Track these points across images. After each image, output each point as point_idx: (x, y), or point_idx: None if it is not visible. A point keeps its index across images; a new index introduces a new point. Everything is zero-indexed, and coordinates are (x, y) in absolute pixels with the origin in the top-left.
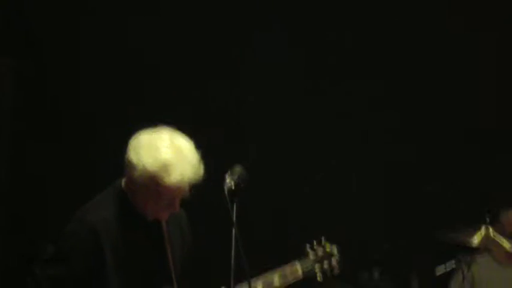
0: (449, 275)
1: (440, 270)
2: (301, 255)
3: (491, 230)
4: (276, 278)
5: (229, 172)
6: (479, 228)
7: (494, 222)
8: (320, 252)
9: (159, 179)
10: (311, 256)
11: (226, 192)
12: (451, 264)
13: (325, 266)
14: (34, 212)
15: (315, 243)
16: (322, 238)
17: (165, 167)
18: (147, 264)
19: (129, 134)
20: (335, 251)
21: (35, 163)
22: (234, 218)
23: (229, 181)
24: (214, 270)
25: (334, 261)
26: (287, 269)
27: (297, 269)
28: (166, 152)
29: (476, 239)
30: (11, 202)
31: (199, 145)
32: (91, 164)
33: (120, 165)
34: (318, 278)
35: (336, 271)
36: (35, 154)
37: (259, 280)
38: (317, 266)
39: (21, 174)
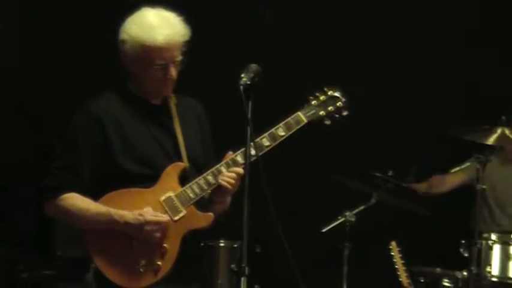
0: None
1: (455, 169)
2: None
3: (506, 130)
4: (280, 130)
5: (244, 69)
6: (495, 128)
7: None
8: (322, 97)
9: (146, 41)
10: (312, 102)
11: (241, 89)
12: (466, 163)
13: (330, 109)
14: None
15: (316, 92)
16: (324, 87)
17: (150, 28)
18: (154, 142)
19: None
20: (338, 93)
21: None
22: (249, 116)
23: (244, 78)
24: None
25: (339, 104)
26: (290, 119)
27: (300, 116)
28: (151, 17)
29: (492, 138)
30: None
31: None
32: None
33: None
34: (326, 122)
35: (344, 113)
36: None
37: (264, 136)
38: (321, 110)
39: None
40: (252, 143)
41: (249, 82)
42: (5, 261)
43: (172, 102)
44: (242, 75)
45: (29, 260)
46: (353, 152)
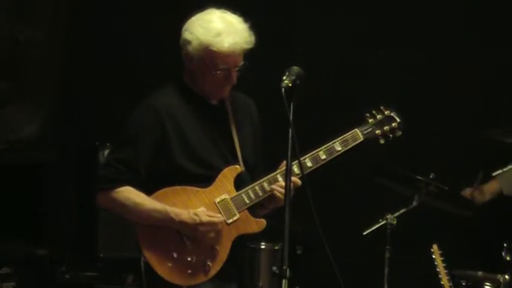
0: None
1: (497, 172)
2: (360, 122)
3: None
4: (337, 144)
5: (286, 72)
6: None
7: None
8: (379, 116)
9: (212, 46)
10: (369, 121)
11: (283, 91)
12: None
13: (386, 129)
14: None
15: (373, 110)
16: (381, 106)
17: (217, 34)
18: (211, 143)
19: None
20: (394, 114)
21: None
22: (291, 118)
23: (286, 80)
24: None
25: (394, 124)
26: (347, 135)
27: (357, 133)
28: (218, 22)
29: None
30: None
31: None
32: None
33: None
34: (380, 141)
35: (398, 134)
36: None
37: (321, 149)
38: (377, 129)
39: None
40: (309, 156)
41: (290, 84)
42: (48, 262)
43: (229, 101)
44: (284, 77)
45: (72, 261)
46: (395, 154)
